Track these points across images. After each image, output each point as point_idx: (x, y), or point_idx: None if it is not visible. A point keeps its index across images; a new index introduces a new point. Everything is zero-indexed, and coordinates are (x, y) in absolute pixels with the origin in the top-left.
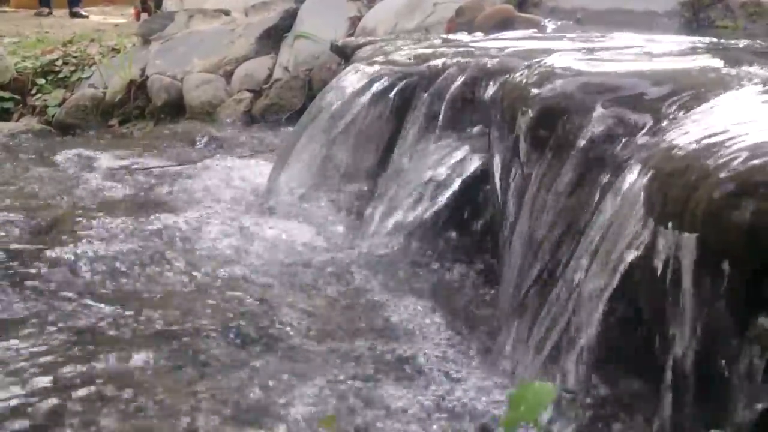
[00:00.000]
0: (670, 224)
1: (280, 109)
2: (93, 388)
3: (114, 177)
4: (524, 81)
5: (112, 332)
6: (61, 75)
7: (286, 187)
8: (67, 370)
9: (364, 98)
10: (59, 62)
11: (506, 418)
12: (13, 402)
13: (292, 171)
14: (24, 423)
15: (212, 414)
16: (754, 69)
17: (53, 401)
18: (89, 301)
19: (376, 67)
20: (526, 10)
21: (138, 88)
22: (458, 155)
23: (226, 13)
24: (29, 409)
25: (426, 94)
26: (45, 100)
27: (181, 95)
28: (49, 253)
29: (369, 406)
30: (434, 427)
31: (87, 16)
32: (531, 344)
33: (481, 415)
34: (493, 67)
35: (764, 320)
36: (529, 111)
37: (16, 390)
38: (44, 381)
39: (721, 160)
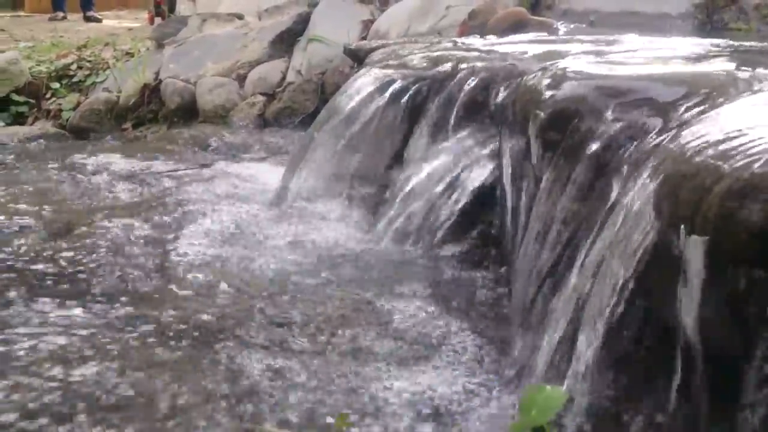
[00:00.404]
0: (681, 227)
1: (293, 113)
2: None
3: (128, 180)
4: (536, 84)
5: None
6: (75, 79)
7: (300, 188)
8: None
9: (378, 101)
10: (74, 66)
11: (517, 423)
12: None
13: (306, 173)
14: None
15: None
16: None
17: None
18: (107, 303)
19: (389, 71)
20: (538, 12)
21: (152, 91)
22: (471, 158)
23: (240, 17)
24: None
25: (439, 97)
26: (59, 104)
27: (195, 99)
28: (65, 255)
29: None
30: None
31: (101, 20)
32: (542, 348)
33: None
34: (505, 70)
35: None
36: (541, 114)
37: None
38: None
39: (734, 164)
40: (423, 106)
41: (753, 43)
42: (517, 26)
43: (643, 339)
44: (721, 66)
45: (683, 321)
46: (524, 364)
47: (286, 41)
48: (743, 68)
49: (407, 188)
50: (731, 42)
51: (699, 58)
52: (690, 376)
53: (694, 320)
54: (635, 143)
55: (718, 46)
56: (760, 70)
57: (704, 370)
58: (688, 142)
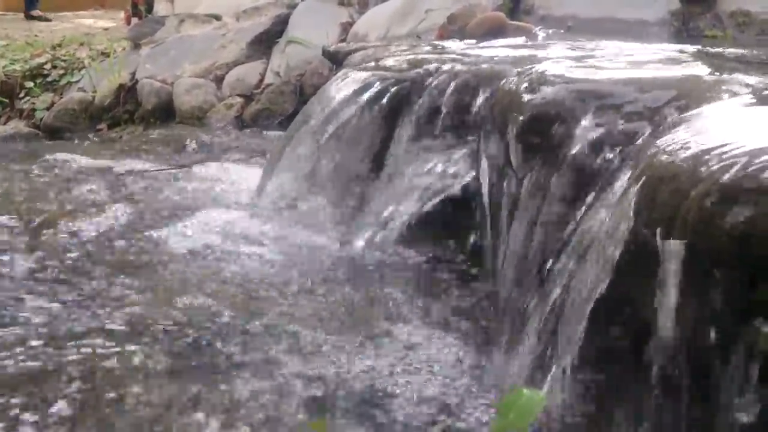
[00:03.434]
0: (659, 231)
1: (271, 114)
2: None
3: (102, 180)
4: (516, 87)
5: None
6: (49, 78)
7: (276, 191)
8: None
9: (356, 104)
10: (48, 65)
11: (495, 426)
12: None
13: (283, 176)
14: None
15: None
16: (743, 77)
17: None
18: (81, 302)
19: (368, 73)
20: (517, 17)
21: (127, 92)
22: (450, 161)
23: (218, 17)
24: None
25: (417, 101)
26: (33, 104)
27: (171, 99)
28: (36, 254)
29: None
30: None
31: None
32: (524, 351)
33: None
34: (484, 73)
35: (757, 325)
36: (521, 117)
37: None
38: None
39: (712, 167)
40: (402, 109)
41: (729, 50)
42: (496, 31)
43: (623, 342)
44: (698, 72)
45: (662, 324)
46: (506, 367)
47: (264, 42)
48: (720, 74)
49: (385, 191)
50: (707, 49)
51: (676, 64)
52: (669, 380)
53: (673, 323)
54: (615, 147)
55: (694, 52)
56: (735, 76)
57: (683, 373)
58: (667, 146)
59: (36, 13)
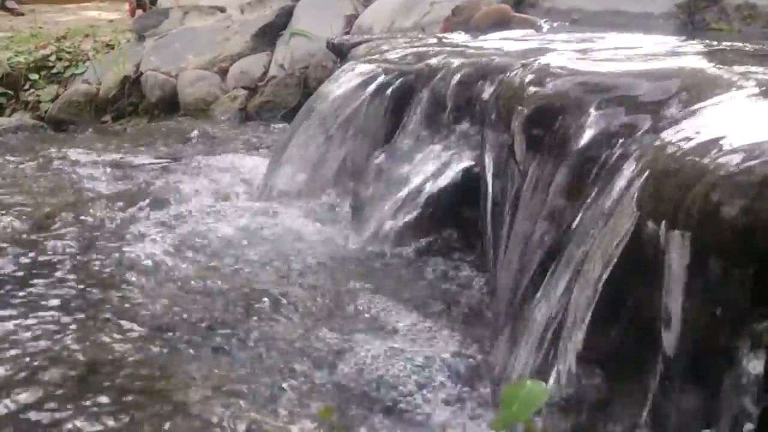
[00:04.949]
0: (663, 223)
1: (275, 107)
2: None
3: (107, 172)
4: (520, 80)
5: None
6: (54, 70)
7: (282, 184)
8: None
9: (360, 96)
10: (53, 57)
11: (498, 418)
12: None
13: (288, 168)
14: None
15: None
16: (749, 70)
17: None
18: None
19: (372, 66)
20: (522, 10)
21: (132, 84)
22: (454, 154)
23: (222, 9)
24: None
25: (422, 93)
26: (38, 96)
27: (176, 92)
28: (41, 247)
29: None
30: None
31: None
32: (526, 344)
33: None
34: (489, 66)
35: (761, 319)
36: (525, 110)
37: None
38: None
39: (716, 160)
40: (406, 102)
41: (734, 43)
42: (500, 23)
43: (626, 335)
44: (704, 64)
45: (665, 316)
46: (508, 360)
47: (268, 35)
48: (725, 67)
49: (390, 184)
50: (713, 41)
51: (681, 57)
52: (672, 372)
53: (677, 316)
54: (619, 139)
55: (700, 45)
56: (740, 69)
57: (687, 365)
58: (672, 139)
59: (10, 4)
